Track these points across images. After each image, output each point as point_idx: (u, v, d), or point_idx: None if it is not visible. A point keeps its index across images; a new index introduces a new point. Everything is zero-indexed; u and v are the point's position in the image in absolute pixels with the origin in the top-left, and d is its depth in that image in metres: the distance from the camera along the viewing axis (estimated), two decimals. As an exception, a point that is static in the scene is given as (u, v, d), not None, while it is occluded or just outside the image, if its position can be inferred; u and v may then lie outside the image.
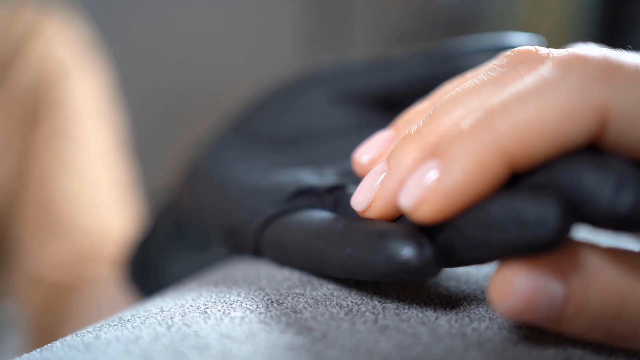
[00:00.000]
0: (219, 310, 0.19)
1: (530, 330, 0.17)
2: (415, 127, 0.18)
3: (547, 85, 0.15)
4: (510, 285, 0.15)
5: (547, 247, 0.14)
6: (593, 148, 0.15)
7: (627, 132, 0.15)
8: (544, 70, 0.16)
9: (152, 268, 0.32)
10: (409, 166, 0.17)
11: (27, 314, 0.46)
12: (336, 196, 0.21)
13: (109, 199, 0.49)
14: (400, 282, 0.20)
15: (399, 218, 0.18)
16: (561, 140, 0.15)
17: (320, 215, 0.21)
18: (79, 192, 0.47)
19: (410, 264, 0.16)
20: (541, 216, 0.14)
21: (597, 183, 0.14)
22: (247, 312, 0.18)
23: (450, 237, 0.16)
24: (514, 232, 0.14)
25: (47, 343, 0.18)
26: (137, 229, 0.36)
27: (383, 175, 0.18)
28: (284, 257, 0.21)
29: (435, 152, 0.16)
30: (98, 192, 0.48)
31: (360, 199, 0.18)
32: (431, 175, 0.16)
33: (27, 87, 0.47)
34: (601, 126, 0.15)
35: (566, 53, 0.16)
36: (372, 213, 0.18)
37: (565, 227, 0.14)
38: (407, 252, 0.16)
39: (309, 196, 0.22)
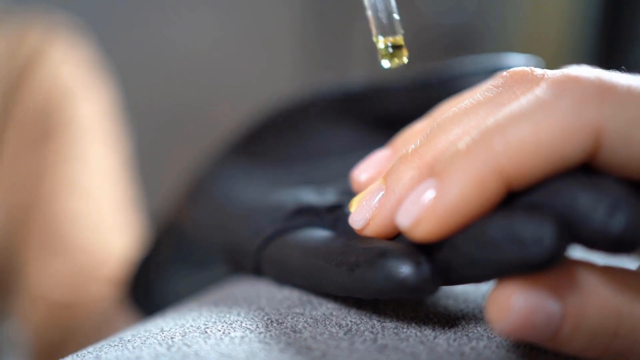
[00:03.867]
0: (219, 330, 0.19)
1: (528, 349, 0.17)
2: (413, 146, 0.18)
3: (542, 106, 0.15)
4: (507, 304, 0.15)
5: (544, 266, 0.14)
6: (588, 168, 0.15)
7: (621, 152, 0.15)
8: (539, 91, 0.16)
9: (152, 287, 0.32)
10: (406, 185, 0.17)
11: (27, 334, 0.46)
12: (336, 215, 0.21)
13: (111, 219, 0.49)
14: (398, 300, 0.20)
15: (397, 236, 0.18)
16: (556, 160, 0.15)
17: (320, 233, 0.21)
18: (83, 212, 0.47)
19: (407, 282, 0.16)
20: (537, 235, 0.14)
21: (591, 204, 0.14)
22: (247, 331, 0.18)
23: (448, 256, 0.16)
24: (511, 251, 0.14)
25: (48, 363, 0.18)
26: (139, 249, 0.36)
27: (381, 194, 0.18)
28: (284, 275, 0.21)
29: (432, 172, 0.16)
30: (101, 212, 0.48)
31: (358, 218, 0.19)
32: (428, 194, 0.16)
33: (34, 109, 0.48)
34: (595, 146, 0.15)
35: (560, 74, 0.16)
36: (370, 231, 0.18)
37: (561, 247, 0.14)
38: (404, 270, 0.16)
39: (308, 215, 0.22)
